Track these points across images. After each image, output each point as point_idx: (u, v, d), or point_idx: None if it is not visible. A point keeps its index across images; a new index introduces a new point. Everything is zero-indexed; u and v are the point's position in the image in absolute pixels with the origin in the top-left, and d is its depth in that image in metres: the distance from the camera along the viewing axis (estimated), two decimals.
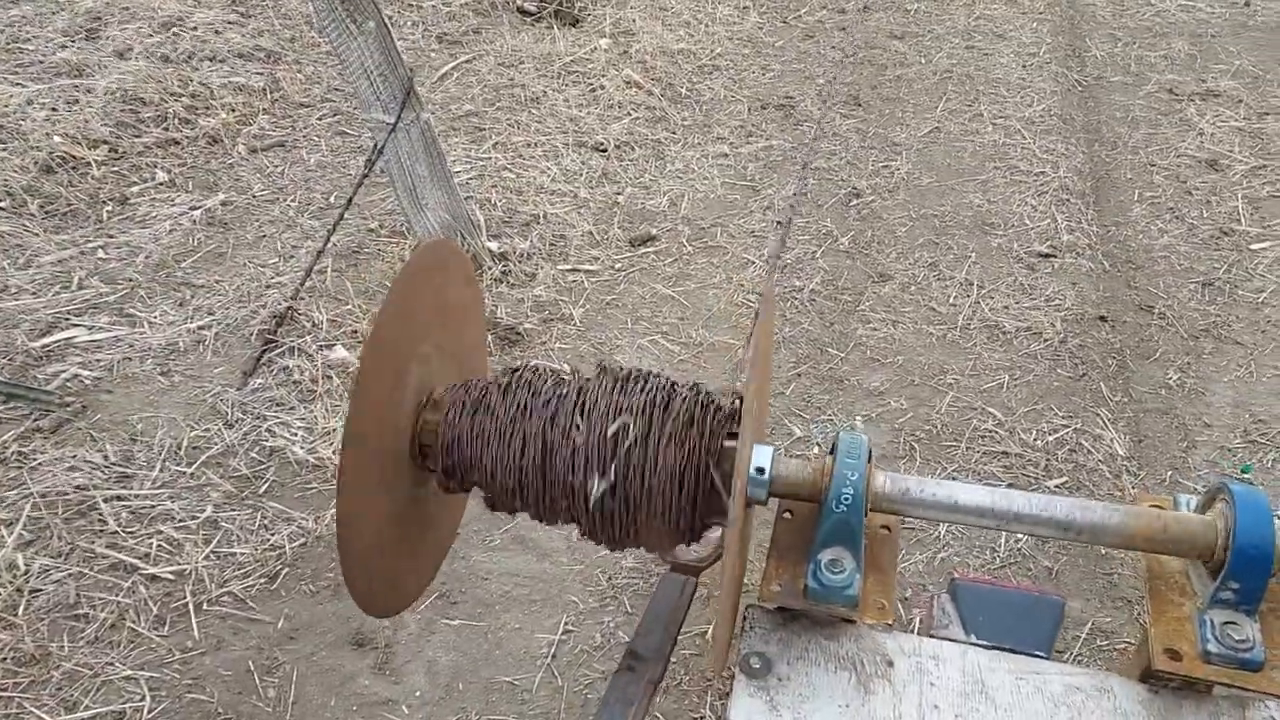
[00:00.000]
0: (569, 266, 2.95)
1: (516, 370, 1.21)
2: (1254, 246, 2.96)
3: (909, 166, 3.44)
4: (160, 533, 2.00)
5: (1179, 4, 4.57)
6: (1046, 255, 2.97)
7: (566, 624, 1.94)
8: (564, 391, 1.16)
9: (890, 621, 1.28)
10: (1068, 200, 3.20)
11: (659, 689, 1.24)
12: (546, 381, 1.18)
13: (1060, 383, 2.50)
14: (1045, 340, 2.63)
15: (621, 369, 1.20)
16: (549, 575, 2.05)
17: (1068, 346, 2.60)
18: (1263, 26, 4.31)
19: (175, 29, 3.86)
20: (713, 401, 1.20)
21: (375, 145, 2.63)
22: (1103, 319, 2.71)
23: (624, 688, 1.22)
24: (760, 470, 1.16)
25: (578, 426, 1.19)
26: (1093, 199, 3.24)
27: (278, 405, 2.28)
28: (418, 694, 1.80)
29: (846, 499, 1.13)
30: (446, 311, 1.32)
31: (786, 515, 1.29)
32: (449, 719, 1.77)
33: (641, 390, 1.15)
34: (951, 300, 2.80)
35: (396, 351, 1.18)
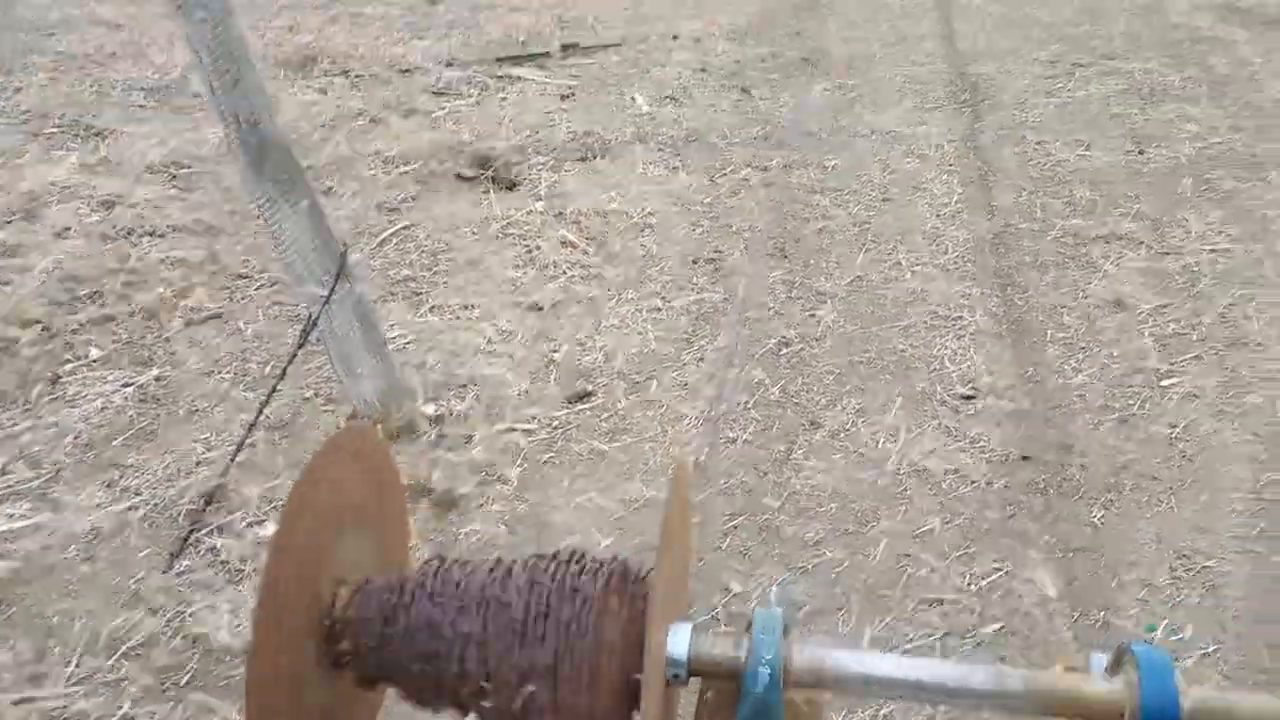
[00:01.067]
0: (506, 426, 2.98)
1: (430, 565, 1.22)
2: (1164, 383, 3.09)
3: (834, 315, 3.57)
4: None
5: (1078, 154, 4.88)
6: (969, 397, 3.07)
7: None
8: (480, 577, 1.18)
9: None
10: (986, 343, 3.34)
11: None
12: (461, 571, 1.19)
13: (990, 525, 2.55)
14: (973, 482, 2.69)
15: (534, 558, 1.22)
16: None
17: (994, 488, 2.67)
18: (1156, 172, 4.61)
19: (116, 206, 3.93)
20: (631, 577, 1.21)
21: (309, 318, 2.68)
22: (1026, 459, 2.79)
23: None
24: (677, 653, 1.17)
25: (493, 622, 1.19)
26: (1009, 341, 3.38)
27: (204, 588, 2.23)
28: None
29: (764, 678, 1.14)
30: (361, 498, 1.33)
31: (709, 695, 1.29)
32: None
33: (559, 576, 1.17)
34: (880, 445, 2.87)
35: (303, 552, 1.18)
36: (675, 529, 1.23)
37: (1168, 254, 3.85)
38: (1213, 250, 3.83)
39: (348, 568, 1.29)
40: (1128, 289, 3.60)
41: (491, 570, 1.21)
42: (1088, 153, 4.89)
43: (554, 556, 1.24)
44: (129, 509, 2.46)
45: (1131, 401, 3.00)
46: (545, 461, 2.85)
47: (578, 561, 1.24)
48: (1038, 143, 5.08)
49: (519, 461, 2.83)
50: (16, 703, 1.92)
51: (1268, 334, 3.28)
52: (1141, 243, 3.95)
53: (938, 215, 4.31)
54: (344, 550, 1.29)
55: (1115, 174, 4.62)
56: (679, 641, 1.17)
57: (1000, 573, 2.38)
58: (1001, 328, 3.43)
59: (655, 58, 6.48)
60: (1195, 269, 3.70)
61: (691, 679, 1.20)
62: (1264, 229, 3.96)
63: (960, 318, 3.50)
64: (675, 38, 6.88)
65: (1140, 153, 4.84)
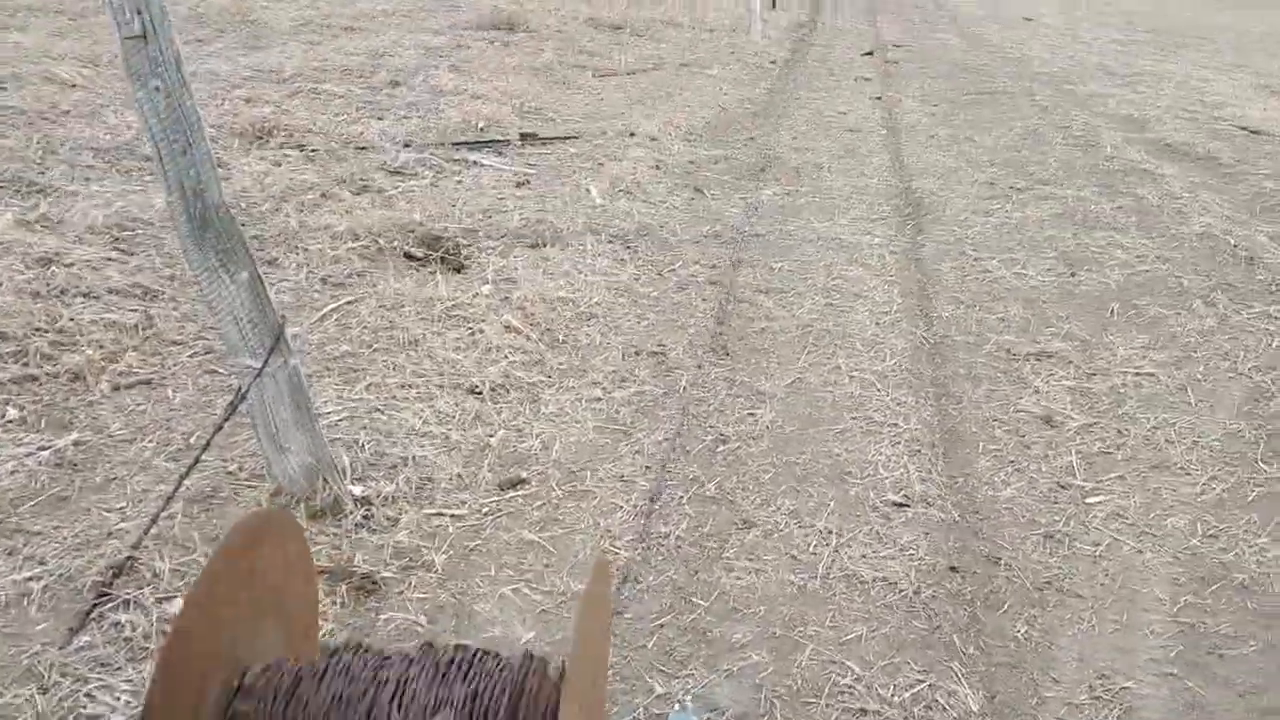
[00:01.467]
0: (434, 510, 2.93)
1: (335, 653, 1.18)
2: (1089, 500, 3.15)
3: (773, 415, 3.60)
4: None
5: (1013, 272, 5.06)
6: (900, 505, 3.09)
7: None
8: (383, 678, 1.14)
9: None
10: (919, 451, 3.38)
11: None
12: (365, 667, 1.16)
13: (915, 635, 2.54)
14: (900, 591, 2.69)
15: (446, 650, 1.19)
16: None
17: (921, 597, 2.67)
18: (1087, 295, 4.78)
19: (52, 265, 3.86)
20: (544, 681, 1.18)
21: (239, 390, 2.62)
22: (954, 569, 2.80)
23: None
24: None
25: (413, 687, 1.15)
26: (941, 450, 3.43)
27: (102, 665, 2.12)
28: None
29: None
30: (273, 582, 1.29)
31: None
32: None
33: (464, 679, 1.13)
34: (812, 549, 2.87)
35: (209, 625, 1.14)
36: (592, 626, 1.20)
37: (1095, 374, 3.97)
38: (1138, 374, 3.95)
39: (255, 652, 1.24)
40: (1057, 406, 3.70)
41: (405, 658, 1.18)
42: (1023, 271, 5.06)
43: (470, 650, 1.21)
44: (30, 579, 2.34)
45: (1058, 518, 3.05)
46: (472, 549, 2.79)
47: (494, 657, 1.21)
48: (975, 259, 5.25)
49: (445, 548, 2.77)
50: None
51: (1189, 459, 3.37)
52: (1071, 362, 4.07)
53: (878, 323, 4.41)
54: (251, 634, 1.25)
55: (1048, 294, 4.79)
56: None
57: (924, 684, 2.36)
58: (935, 437, 3.49)
59: (611, 152, 6.63)
60: (1121, 391, 3.82)
61: None
62: (1187, 356, 4.11)
63: (895, 425, 3.54)
64: (632, 134, 7.06)
65: (1072, 275, 5.03)
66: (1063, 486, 3.22)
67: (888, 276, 4.98)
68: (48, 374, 3.23)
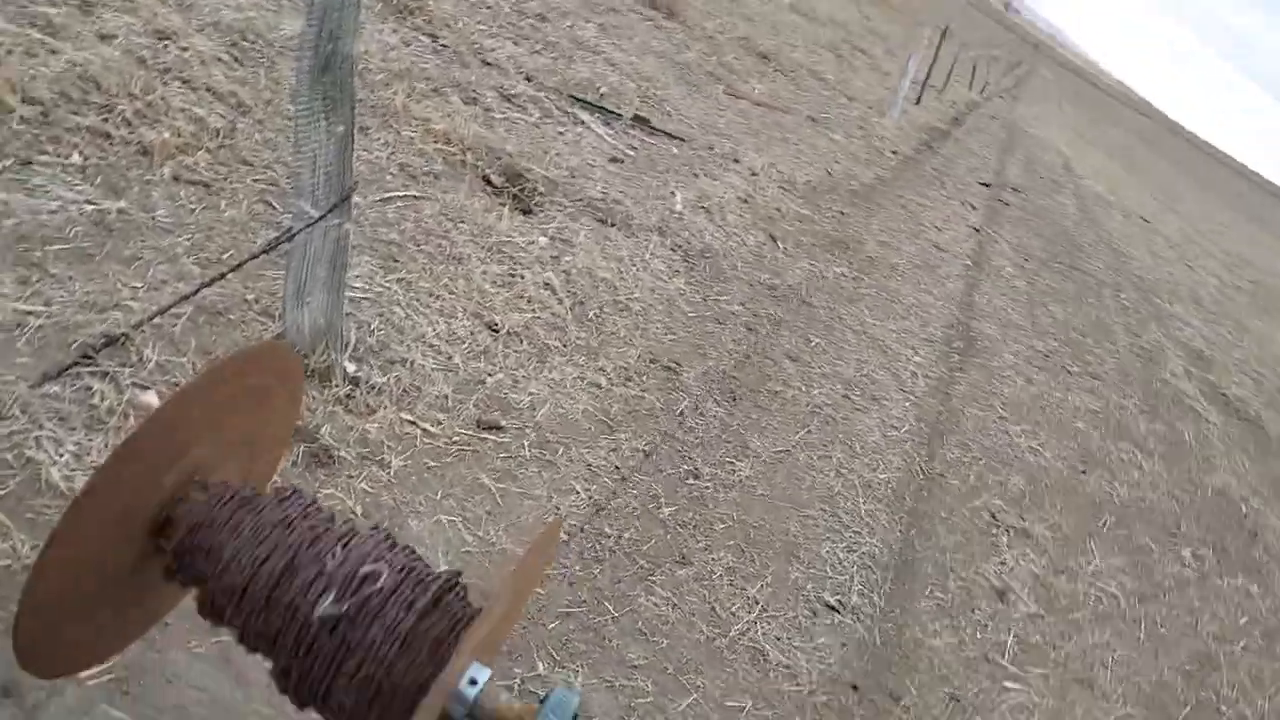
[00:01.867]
0: (411, 418, 2.96)
1: (297, 490, 1.22)
2: (1006, 684, 3.17)
3: (751, 472, 3.63)
4: None
5: (1031, 444, 5.08)
6: (832, 608, 3.12)
7: None
8: (337, 526, 1.18)
9: None
10: (870, 568, 3.40)
11: None
12: (322, 512, 1.20)
13: None
14: (798, 684, 2.72)
15: (393, 538, 1.22)
16: (235, 707, 1.93)
17: (814, 699, 2.69)
18: (1088, 497, 4.80)
19: (167, 42, 3.91)
20: (464, 598, 1.22)
21: (289, 229, 2.66)
22: (855, 688, 2.83)
23: None
24: (472, 683, 1.18)
25: (334, 555, 1.19)
26: (891, 575, 3.45)
27: (60, 420, 2.17)
28: None
29: None
30: (257, 415, 1.33)
31: None
32: None
33: (407, 557, 1.18)
34: (733, 610, 2.89)
35: (187, 423, 1.18)
36: (525, 575, 1.24)
37: (1063, 573, 3.99)
38: (1103, 590, 3.97)
39: (212, 464, 1.28)
40: (1015, 585, 3.72)
41: (342, 537, 1.22)
42: (1039, 449, 5.08)
43: (405, 548, 1.24)
44: (30, 313, 2.39)
45: (971, 686, 3.07)
46: (429, 468, 2.83)
47: (421, 563, 1.25)
48: (1001, 416, 5.27)
49: (405, 456, 2.80)
50: None
51: (1114, 688, 3.39)
52: (1046, 551, 4.09)
53: (884, 434, 4.43)
54: (214, 447, 1.28)
55: (1053, 479, 4.80)
56: (472, 687, 1.18)
57: None
58: (891, 561, 3.51)
59: (709, 168, 6.67)
60: (1081, 598, 3.84)
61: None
62: (1155, 594, 4.13)
63: (859, 534, 3.57)
64: (736, 160, 7.09)
65: (1083, 472, 5.05)
66: (988, 660, 3.24)
67: (912, 396, 5.00)
68: (122, 138, 3.28)
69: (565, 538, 2.85)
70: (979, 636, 3.33)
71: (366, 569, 1.14)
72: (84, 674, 1.82)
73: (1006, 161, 16.35)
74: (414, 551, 1.24)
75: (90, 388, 2.28)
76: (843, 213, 7.73)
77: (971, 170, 13.06)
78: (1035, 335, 7.10)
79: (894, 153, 11.12)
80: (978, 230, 9.73)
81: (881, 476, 4.04)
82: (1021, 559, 3.92)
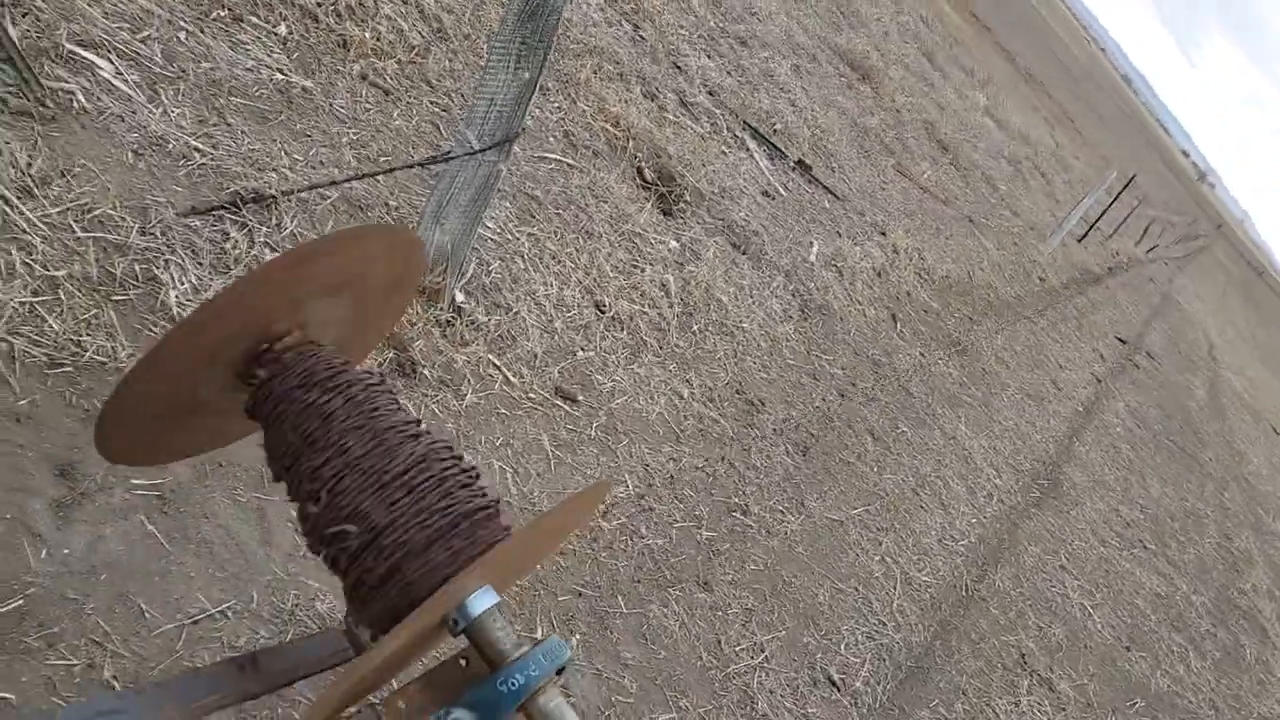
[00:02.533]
0: (498, 362, 3.04)
1: (384, 377, 1.28)
2: None
3: (799, 528, 3.60)
4: (4, 250, 1.98)
5: (1084, 604, 4.90)
6: (833, 683, 3.07)
7: (231, 608, 1.89)
8: (408, 414, 1.23)
9: None
10: (884, 659, 3.34)
11: (243, 703, 1.23)
12: (392, 400, 1.25)
13: None
14: None
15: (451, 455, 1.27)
16: (256, 561, 2.01)
17: None
18: (1125, 675, 4.61)
19: None
20: (501, 524, 1.26)
21: (449, 152, 2.77)
22: None
23: (224, 675, 1.22)
24: (471, 608, 1.21)
25: (400, 441, 1.24)
26: (903, 677, 3.37)
27: (192, 252, 2.30)
28: (65, 552, 1.73)
29: (513, 685, 1.18)
30: (370, 294, 1.40)
31: (462, 662, 1.33)
32: (67, 593, 1.70)
33: (464, 468, 1.22)
34: (736, 649, 2.88)
35: (306, 276, 1.25)
36: (558, 524, 1.27)
37: None
38: None
39: (315, 325, 1.35)
40: None
41: (408, 424, 1.27)
42: (1091, 610, 4.90)
43: (459, 460, 1.29)
44: (197, 149, 2.54)
45: None
46: (498, 413, 2.90)
47: (477, 480, 1.29)
48: (1061, 566, 5.10)
49: (480, 395, 2.87)
50: None
51: None
52: (1064, 710, 3.94)
53: (941, 541, 4.34)
54: (323, 311, 1.35)
55: (1095, 643, 4.62)
56: (480, 603, 1.21)
57: None
58: (906, 662, 3.43)
59: (854, 232, 6.64)
60: None
61: (459, 638, 1.24)
62: None
63: (884, 625, 3.50)
64: (883, 234, 7.05)
65: (1127, 649, 4.85)
66: None
67: (980, 515, 4.89)
68: (327, 26, 3.45)
69: (603, 523, 2.88)
70: None
71: (424, 461, 1.18)
72: (134, 482, 1.93)
73: (1151, 325, 15.81)
74: (473, 469, 1.29)
75: (227, 234, 2.41)
76: (971, 318, 7.60)
77: (1112, 322, 12.67)
78: (1123, 501, 6.85)
79: (1041, 278, 10.88)
80: (1099, 381, 9.44)
81: (924, 578, 3.96)
82: (1037, 708, 3.78)
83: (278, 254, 2.38)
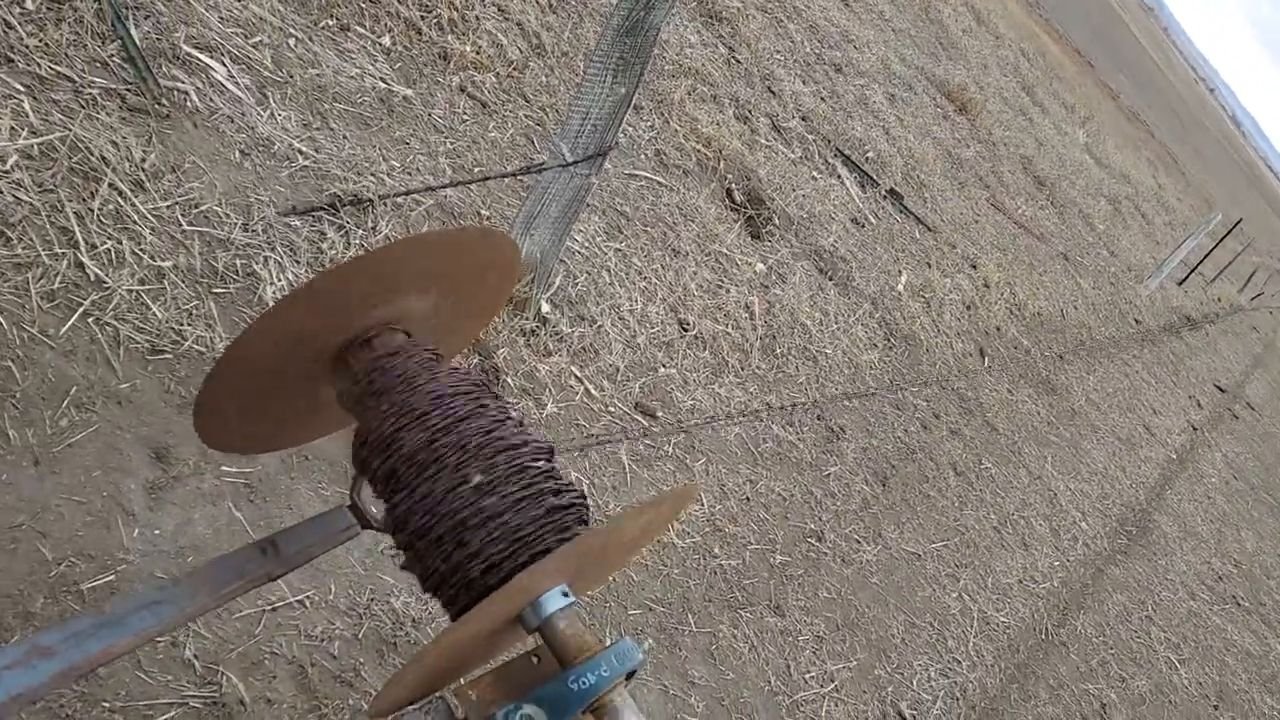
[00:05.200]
0: (579, 375, 3.05)
1: (481, 376, 1.29)
2: None
3: (875, 559, 3.52)
4: (116, 238, 2.06)
5: (1169, 657, 4.69)
6: (903, 718, 2.98)
7: (309, 598, 1.93)
8: (508, 415, 1.24)
9: None
10: (957, 698, 3.24)
11: (270, 583, 1.25)
12: (498, 399, 1.26)
13: None
14: None
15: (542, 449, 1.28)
16: (336, 553, 2.04)
17: None
18: None
19: None
20: (585, 520, 1.26)
21: (542, 164, 2.80)
22: None
23: (248, 560, 1.24)
24: (545, 606, 1.21)
25: (492, 434, 1.25)
26: (976, 717, 3.27)
27: (290, 250, 2.36)
28: (156, 532, 1.78)
29: (584, 684, 1.17)
30: (465, 294, 1.41)
31: (534, 659, 1.32)
32: (155, 572, 1.75)
33: (551, 462, 1.23)
34: (806, 677, 2.82)
35: (403, 271, 1.26)
36: (644, 524, 1.26)
37: None
38: None
39: (409, 321, 1.37)
40: None
41: (505, 420, 1.27)
42: (1177, 663, 4.69)
43: (546, 450, 1.29)
44: (298, 151, 2.62)
45: None
46: (577, 425, 2.90)
47: (559, 479, 1.29)
48: (1148, 616, 4.90)
49: (562, 406, 2.89)
50: (113, 188, 2.07)
51: None
52: None
53: (1021, 581, 4.21)
54: (417, 307, 1.37)
55: (1179, 700, 4.42)
56: (553, 602, 1.20)
57: None
58: (980, 702, 3.33)
59: (944, 264, 6.52)
60: None
61: (531, 635, 1.23)
62: None
63: (958, 664, 3.40)
64: (974, 267, 6.91)
65: (1215, 707, 4.62)
66: None
67: (1064, 557, 4.72)
68: (429, 38, 3.54)
69: (675, 540, 2.86)
70: None
71: (516, 455, 1.19)
72: (224, 469, 1.98)
73: (1252, 375, 15.15)
74: (551, 463, 1.29)
75: (324, 234, 2.48)
76: (1061, 356, 7.39)
77: (1211, 370, 12.18)
78: (1216, 554, 6.55)
79: (1137, 321, 10.52)
80: (1196, 429, 9.06)
81: (1003, 619, 3.83)
82: None
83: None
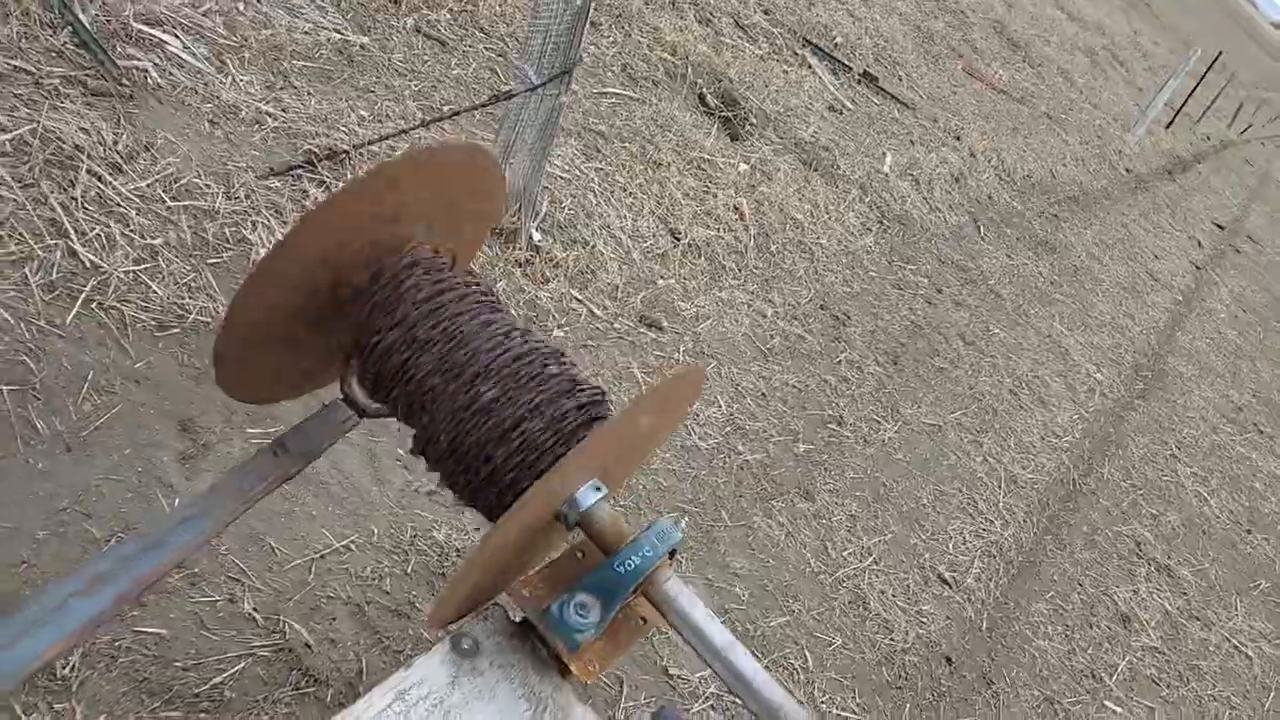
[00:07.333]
0: (581, 297, 3.07)
1: (476, 275, 1.31)
2: (1107, 703, 3.04)
3: (895, 435, 3.57)
4: (103, 223, 2.07)
5: (1198, 490, 4.77)
6: (944, 581, 3.06)
7: (354, 542, 1.98)
8: (515, 319, 1.26)
9: (588, 682, 1.34)
10: (994, 555, 3.31)
11: (284, 484, 1.31)
12: (499, 302, 1.28)
13: (878, 679, 2.56)
14: (892, 638, 2.70)
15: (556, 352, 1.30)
16: (370, 498, 2.09)
17: (904, 656, 2.67)
18: (1249, 558, 4.48)
19: None
20: (607, 413, 1.29)
21: (509, 91, 2.78)
22: (948, 660, 2.78)
23: (264, 465, 1.29)
24: (581, 501, 1.24)
25: (506, 336, 1.28)
26: (1015, 572, 3.35)
27: (275, 212, 2.37)
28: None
29: (629, 565, 1.22)
30: (456, 209, 1.42)
31: (579, 554, 1.37)
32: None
33: (563, 361, 1.25)
34: (844, 553, 2.89)
35: (396, 192, 1.27)
36: (661, 407, 1.29)
37: (1198, 619, 3.76)
38: (1236, 647, 3.73)
39: (408, 239, 1.38)
40: (1143, 616, 3.54)
41: (514, 329, 1.30)
42: (1206, 496, 4.77)
43: (555, 353, 1.32)
44: (266, 114, 2.61)
45: (1069, 694, 2.97)
46: (586, 345, 2.93)
47: (576, 378, 1.32)
48: (1171, 456, 4.97)
49: (568, 329, 2.91)
50: (91, 173, 2.08)
51: None
52: (1185, 594, 3.86)
53: (1043, 437, 4.26)
54: (416, 230, 1.38)
55: (1215, 527, 4.50)
56: (588, 496, 1.24)
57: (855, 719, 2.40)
58: (1017, 559, 3.40)
59: (928, 140, 6.46)
60: (1210, 648, 3.61)
61: (572, 531, 1.27)
62: None
63: (992, 523, 3.47)
64: (957, 139, 6.85)
65: (1248, 532, 4.71)
66: (1094, 677, 3.11)
67: (1083, 410, 4.77)
68: None
69: (700, 441, 2.91)
70: (1090, 652, 3.20)
71: (531, 355, 1.22)
72: (249, 431, 2.02)
73: (1250, 209, 15.06)
74: (574, 365, 1.32)
75: (306, 191, 2.48)
76: (1057, 216, 7.36)
77: (1208, 208, 12.12)
78: (1233, 386, 6.60)
79: (1128, 170, 10.45)
80: (1199, 268, 9.06)
81: (1029, 476, 3.90)
82: (1156, 593, 3.71)
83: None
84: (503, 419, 1.21)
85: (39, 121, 2.08)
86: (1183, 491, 4.66)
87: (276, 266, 1.20)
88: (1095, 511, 4.02)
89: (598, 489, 1.25)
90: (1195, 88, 15.81)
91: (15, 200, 1.94)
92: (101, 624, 0.92)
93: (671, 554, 1.26)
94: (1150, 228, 9.14)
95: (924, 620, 2.85)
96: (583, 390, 1.25)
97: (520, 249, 2.98)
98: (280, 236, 2.29)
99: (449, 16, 3.69)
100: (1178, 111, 14.80)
